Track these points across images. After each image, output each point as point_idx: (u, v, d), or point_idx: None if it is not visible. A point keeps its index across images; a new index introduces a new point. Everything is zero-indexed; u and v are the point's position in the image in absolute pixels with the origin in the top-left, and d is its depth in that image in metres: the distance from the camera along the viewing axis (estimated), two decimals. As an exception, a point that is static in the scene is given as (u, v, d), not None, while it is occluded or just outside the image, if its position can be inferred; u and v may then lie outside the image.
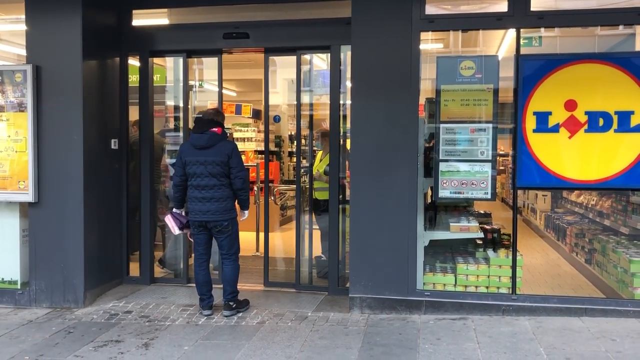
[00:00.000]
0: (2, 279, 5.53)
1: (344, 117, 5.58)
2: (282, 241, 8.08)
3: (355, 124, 5.18)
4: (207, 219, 5.04)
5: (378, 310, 5.10)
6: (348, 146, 5.49)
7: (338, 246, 5.65)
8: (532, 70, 4.88)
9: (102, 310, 5.33)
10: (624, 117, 4.78)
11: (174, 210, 5.29)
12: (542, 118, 4.86)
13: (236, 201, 5.19)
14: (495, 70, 4.88)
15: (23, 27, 5.48)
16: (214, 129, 5.07)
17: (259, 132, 12.32)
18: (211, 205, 5.01)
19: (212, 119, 5.20)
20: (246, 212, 5.31)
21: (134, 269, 6.20)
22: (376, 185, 5.12)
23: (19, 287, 5.50)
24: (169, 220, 5.25)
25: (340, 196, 5.67)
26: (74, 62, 5.31)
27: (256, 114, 13.21)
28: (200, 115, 5.25)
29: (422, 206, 5.17)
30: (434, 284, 5.16)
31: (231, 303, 5.14)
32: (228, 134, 5.52)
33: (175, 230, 5.25)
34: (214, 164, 4.99)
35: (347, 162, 5.62)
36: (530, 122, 4.88)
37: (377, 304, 5.11)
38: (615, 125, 4.77)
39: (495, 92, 4.88)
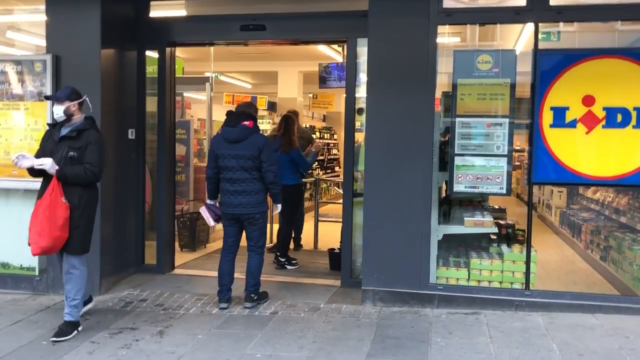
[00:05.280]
0: (21, 265, 5.58)
1: (360, 110, 5.56)
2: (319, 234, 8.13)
3: (371, 116, 5.16)
4: (239, 212, 5.08)
5: (390, 303, 5.09)
6: (362, 139, 5.48)
7: (351, 238, 5.63)
8: (550, 65, 4.83)
9: (118, 298, 5.38)
10: (643, 113, 4.79)
11: (208, 201, 5.33)
12: (559, 113, 4.82)
13: (268, 194, 5.21)
14: (513, 65, 4.84)
15: (42, 17, 5.52)
16: (245, 122, 5.07)
17: (274, 124, 12.37)
18: (243, 199, 5.04)
19: (244, 111, 5.20)
20: (279, 205, 5.30)
21: (150, 258, 6.23)
22: (390, 179, 5.10)
23: (37, 273, 5.56)
24: (203, 211, 5.31)
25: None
26: (93, 52, 5.35)
27: (271, 106, 13.23)
28: (230, 111, 5.28)
29: (437, 200, 5.15)
30: (447, 278, 5.15)
31: (253, 295, 5.16)
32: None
33: (210, 221, 5.31)
34: (245, 158, 5.01)
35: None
36: (547, 117, 4.83)
37: (389, 297, 5.10)
38: (634, 122, 4.71)
39: (512, 86, 4.84)
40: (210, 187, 5.28)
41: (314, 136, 10.09)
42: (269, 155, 5.09)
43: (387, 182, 5.12)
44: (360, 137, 5.63)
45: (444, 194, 5.37)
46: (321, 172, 12.81)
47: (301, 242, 7.71)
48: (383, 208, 5.14)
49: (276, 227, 6.93)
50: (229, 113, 5.24)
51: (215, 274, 5.28)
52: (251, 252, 5.21)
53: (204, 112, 8.66)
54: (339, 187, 10.76)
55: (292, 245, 7.21)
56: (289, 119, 6.68)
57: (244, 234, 5.30)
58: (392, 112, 5.10)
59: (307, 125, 14.38)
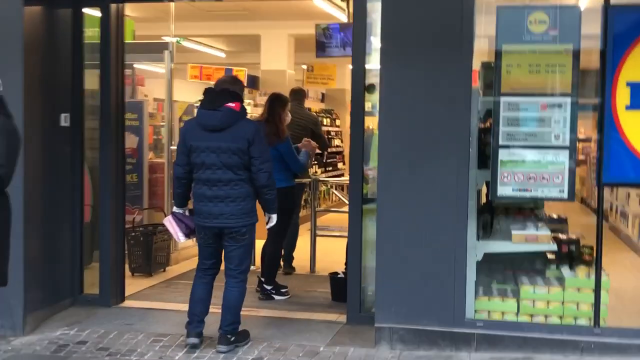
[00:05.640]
0: None
1: (371, 87, 5.54)
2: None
3: (386, 97, 5.11)
4: (220, 225, 5.06)
5: (413, 346, 5.02)
6: (374, 126, 5.45)
7: (360, 259, 5.57)
8: (626, 26, 4.78)
9: (48, 339, 5.31)
10: None
11: (175, 209, 5.33)
12: (639, 91, 4.78)
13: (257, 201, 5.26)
14: (576, 26, 4.80)
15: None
16: (230, 104, 5.03)
17: (255, 106, 12.32)
18: (225, 207, 5.02)
19: (228, 89, 5.17)
20: (274, 216, 5.34)
21: (91, 286, 6.19)
22: (413, 180, 5.06)
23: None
24: (170, 224, 5.29)
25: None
26: (13, 11, 5.26)
27: (252, 82, 13.15)
28: (209, 89, 5.29)
29: (475, 208, 5.08)
30: (489, 311, 5.10)
31: (230, 335, 5.11)
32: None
33: (179, 237, 5.29)
34: (230, 153, 4.99)
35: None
36: (622, 96, 4.78)
37: (412, 337, 5.04)
38: None
39: (576, 55, 4.79)
40: (179, 190, 5.27)
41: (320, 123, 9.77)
42: (262, 148, 5.09)
43: (409, 183, 5.06)
44: (371, 122, 5.57)
45: (484, 200, 5.33)
46: (319, 171, 12.74)
47: (293, 264, 7.63)
48: (403, 218, 5.08)
49: (261, 243, 6.83)
50: (207, 92, 5.20)
51: (179, 306, 5.34)
52: (230, 278, 5.17)
53: (161, 90, 8.58)
54: (343, 191, 10.71)
55: (281, 268, 7.15)
56: (277, 101, 6.66)
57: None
58: (414, 90, 5.02)
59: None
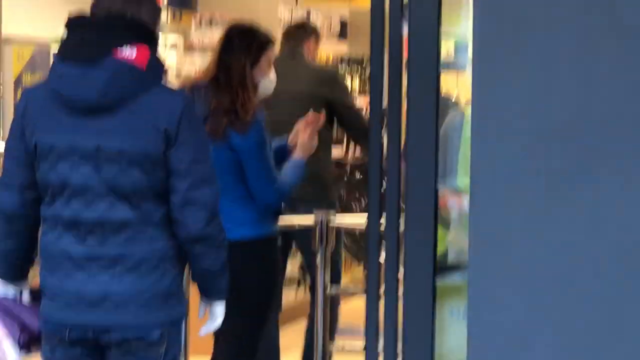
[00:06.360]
0: None
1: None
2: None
3: (485, 30, 3.98)
4: (101, 323, 4.28)
5: None
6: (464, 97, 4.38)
7: None
8: None
9: None
10: None
11: None
12: None
13: (186, 272, 4.53)
14: None
15: None
16: (124, 49, 4.18)
17: (188, 50, 11.89)
18: (114, 283, 4.25)
19: (121, 16, 4.32)
20: (219, 306, 4.53)
21: None
22: (547, 218, 4.00)
23: None
24: None
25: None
26: None
27: None
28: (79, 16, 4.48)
29: None
30: None
31: None
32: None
33: (5, 353, 4.54)
34: (124, 162, 4.19)
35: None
36: None
37: None
38: None
39: None
40: (7, 243, 4.38)
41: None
42: (197, 153, 4.24)
43: (536, 230, 4.00)
44: (455, 88, 4.60)
45: None
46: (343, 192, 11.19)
47: None
48: (531, 308, 4.00)
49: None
50: (75, 22, 4.24)
51: None
52: None
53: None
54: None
55: None
56: (242, 39, 5.50)
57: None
58: (549, 9, 3.85)
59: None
